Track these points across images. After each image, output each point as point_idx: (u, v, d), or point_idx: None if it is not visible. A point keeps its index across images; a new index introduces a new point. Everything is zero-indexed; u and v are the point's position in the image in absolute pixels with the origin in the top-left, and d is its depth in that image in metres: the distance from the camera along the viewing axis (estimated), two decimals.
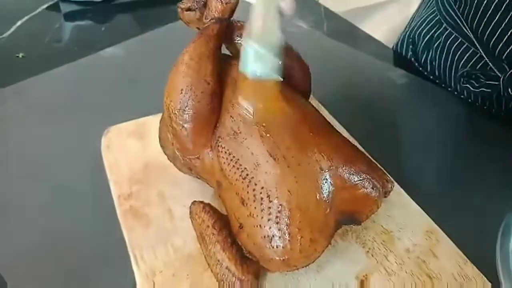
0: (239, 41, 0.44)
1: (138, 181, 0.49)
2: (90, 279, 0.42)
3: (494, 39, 0.59)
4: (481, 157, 0.55)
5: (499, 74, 0.59)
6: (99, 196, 0.49)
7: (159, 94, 0.42)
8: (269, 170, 0.38)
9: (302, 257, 0.37)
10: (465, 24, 0.63)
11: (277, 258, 0.37)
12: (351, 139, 0.51)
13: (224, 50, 0.45)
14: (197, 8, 0.44)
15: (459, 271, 0.41)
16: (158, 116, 0.47)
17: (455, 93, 0.68)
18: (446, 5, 0.67)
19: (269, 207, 0.37)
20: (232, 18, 0.44)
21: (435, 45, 0.69)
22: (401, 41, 0.78)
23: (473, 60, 0.64)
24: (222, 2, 0.42)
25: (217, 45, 0.42)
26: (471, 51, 0.64)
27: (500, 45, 0.58)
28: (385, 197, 0.41)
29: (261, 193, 0.37)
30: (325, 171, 0.38)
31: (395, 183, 0.44)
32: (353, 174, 0.39)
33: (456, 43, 0.66)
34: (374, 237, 0.44)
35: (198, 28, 0.45)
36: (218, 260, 0.38)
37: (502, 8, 0.56)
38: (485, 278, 0.41)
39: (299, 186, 0.37)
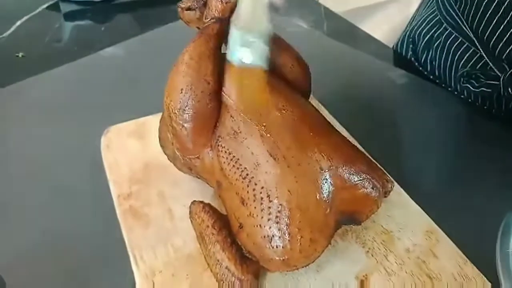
0: None
1: (138, 181, 0.49)
2: (90, 279, 0.42)
3: (494, 39, 0.59)
4: (481, 157, 0.55)
5: (499, 74, 0.59)
6: (98, 196, 0.49)
7: (159, 94, 0.42)
8: (269, 170, 0.38)
9: (302, 257, 0.37)
10: (465, 24, 0.63)
11: (277, 258, 0.37)
12: (351, 139, 0.51)
13: (224, 50, 0.45)
14: (197, 7, 0.44)
15: (459, 271, 0.41)
16: (158, 116, 0.47)
17: (455, 93, 0.68)
18: (447, 5, 0.67)
19: (269, 207, 0.37)
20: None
21: (435, 45, 0.69)
22: (401, 41, 0.78)
23: (473, 60, 0.64)
24: (222, 1, 0.42)
25: (217, 44, 0.42)
26: (471, 51, 0.64)
27: (500, 45, 0.58)
28: (385, 197, 0.41)
29: (261, 193, 0.37)
30: (325, 171, 0.38)
31: (395, 183, 0.43)
32: (353, 174, 0.38)
33: (456, 43, 0.66)
34: (374, 237, 0.44)
35: (198, 28, 0.44)
36: (218, 260, 0.38)
37: (502, 8, 0.56)
38: (485, 278, 0.41)
39: (299, 186, 0.37)
